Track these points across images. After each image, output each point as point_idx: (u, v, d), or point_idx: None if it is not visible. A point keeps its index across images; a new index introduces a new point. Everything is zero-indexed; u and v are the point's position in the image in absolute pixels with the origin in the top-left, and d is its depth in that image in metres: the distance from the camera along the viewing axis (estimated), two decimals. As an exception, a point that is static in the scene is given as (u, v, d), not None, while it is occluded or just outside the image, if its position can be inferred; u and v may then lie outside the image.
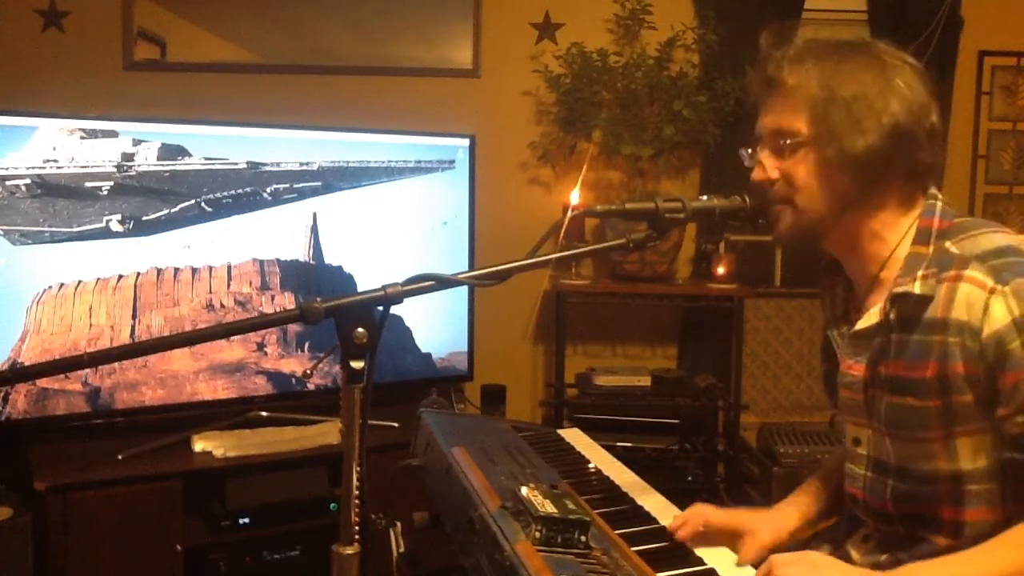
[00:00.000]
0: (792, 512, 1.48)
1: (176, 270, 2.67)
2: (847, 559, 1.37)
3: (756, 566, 1.27)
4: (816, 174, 1.26)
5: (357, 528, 1.09)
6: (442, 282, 1.14)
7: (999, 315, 1.14)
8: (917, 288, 1.21)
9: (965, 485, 1.22)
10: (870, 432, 1.32)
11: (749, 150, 1.34)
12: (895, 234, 1.29)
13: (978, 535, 1.21)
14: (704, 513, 1.39)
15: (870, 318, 1.28)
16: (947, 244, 1.23)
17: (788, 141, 1.27)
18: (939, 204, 1.28)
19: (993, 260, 1.17)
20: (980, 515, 1.22)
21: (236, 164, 2.72)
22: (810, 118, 1.25)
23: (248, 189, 2.74)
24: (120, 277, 2.60)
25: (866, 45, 1.29)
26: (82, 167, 2.52)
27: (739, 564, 1.32)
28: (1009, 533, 1.16)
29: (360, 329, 1.05)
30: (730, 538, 1.40)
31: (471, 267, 3.01)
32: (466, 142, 3.07)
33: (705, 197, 1.31)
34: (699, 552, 1.34)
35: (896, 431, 1.26)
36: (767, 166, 1.30)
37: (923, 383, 1.21)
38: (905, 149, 1.24)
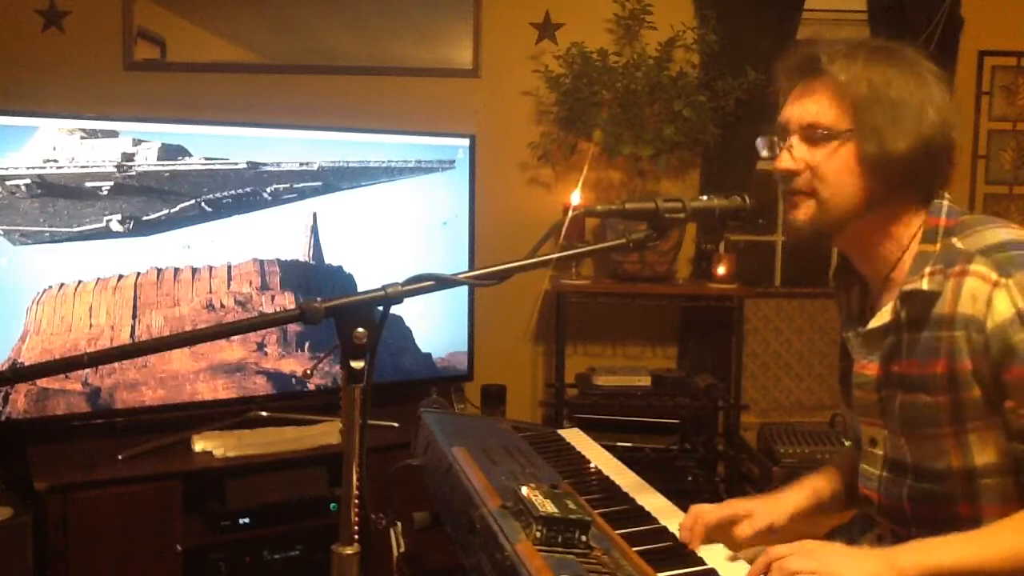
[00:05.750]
0: (788, 498, 1.48)
1: (176, 270, 2.67)
2: None
3: (750, 561, 1.27)
4: (848, 170, 1.26)
5: (357, 528, 1.09)
6: (442, 282, 1.14)
7: (1002, 308, 1.15)
8: (925, 285, 1.22)
9: (979, 480, 1.23)
10: (885, 432, 1.32)
11: (768, 139, 1.33)
12: (908, 236, 1.30)
13: None
14: (702, 518, 1.37)
15: (882, 317, 1.29)
16: (953, 240, 1.24)
17: (824, 132, 1.26)
18: (945, 203, 1.29)
19: (997, 254, 1.18)
20: (997, 510, 1.23)
21: (236, 164, 2.72)
22: (853, 114, 1.25)
23: (248, 189, 2.74)
24: (120, 277, 2.60)
25: (907, 54, 1.29)
26: (82, 167, 2.52)
27: (737, 542, 1.33)
28: (1013, 517, 1.17)
29: (360, 329, 1.05)
30: (730, 529, 1.40)
31: (471, 267, 3.00)
32: (466, 142, 3.07)
33: (705, 197, 1.31)
34: (699, 551, 1.33)
35: (910, 430, 1.27)
36: (795, 156, 1.29)
37: (934, 379, 1.22)
38: (933, 159, 1.26)
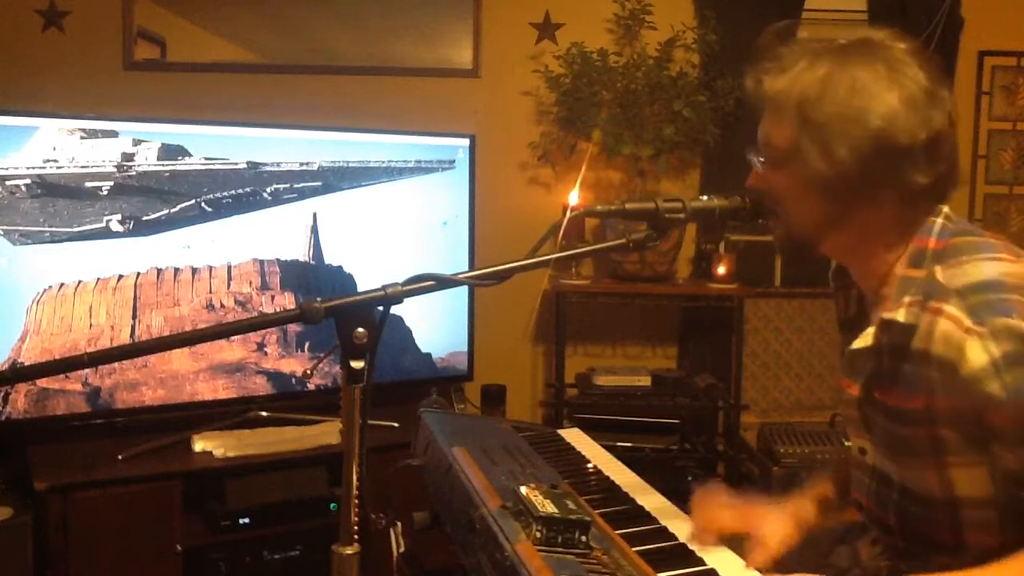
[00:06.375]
0: (800, 512, 1.46)
1: (176, 270, 2.67)
2: (856, 557, 1.37)
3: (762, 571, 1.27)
4: (797, 190, 1.23)
5: (357, 528, 1.09)
6: (442, 282, 1.14)
7: (975, 356, 1.08)
8: (901, 316, 1.16)
9: (962, 511, 1.20)
10: (872, 445, 1.31)
11: (750, 158, 1.33)
12: (893, 253, 1.24)
13: (978, 557, 1.19)
14: (716, 524, 1.36)
15: (864, 340, 1.23)
16: (937, 269, 1.17)
17: (771, 154, 1.25)
18: (939, 221, 1.22)
19: (972, 296, 1.10)
20: (979, 539, 1.20)
21: (236, 164, 2.72)
22: (792, 131, 1.21)
23: (248, 189, 2.74)
24: (120, 277, 2.60)
25: (868, 49, 1.23)
26: (82, 167, 2.52)
27: (746, 568, 1.32)
28: (1008, 561, 1.13)
29: (360, 329, 1.05)
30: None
31: (471, 267, 3.00)
32: (466, 142, 3.07)
33: (705, 197, 1.30)
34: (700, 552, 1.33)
35: (892, 454, 1.25)
36: (758, 175, 1.29)
37: (914, 414, 1.18)
38: (891, 168, 1.18)
